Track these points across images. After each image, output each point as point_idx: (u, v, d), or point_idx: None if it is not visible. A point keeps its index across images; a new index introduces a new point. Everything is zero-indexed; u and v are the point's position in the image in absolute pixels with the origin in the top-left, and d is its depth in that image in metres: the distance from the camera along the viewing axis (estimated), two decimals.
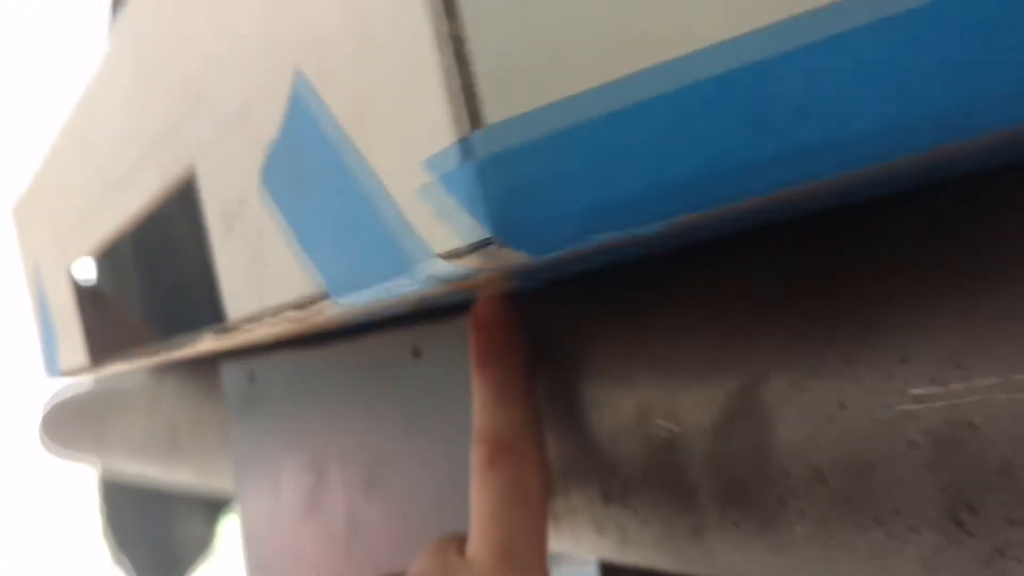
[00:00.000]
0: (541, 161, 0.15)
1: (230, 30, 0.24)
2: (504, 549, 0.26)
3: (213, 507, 1.35)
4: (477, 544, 0.26)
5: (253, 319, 0.27)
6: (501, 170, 0.15)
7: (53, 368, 0.58)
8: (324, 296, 0.22)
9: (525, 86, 0.15)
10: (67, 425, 1.29)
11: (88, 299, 0.49)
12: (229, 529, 1.45)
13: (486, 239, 0.15)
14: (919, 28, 0.13)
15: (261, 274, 0.26)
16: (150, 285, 0.70)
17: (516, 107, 0.15)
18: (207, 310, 0.34)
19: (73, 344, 0.52)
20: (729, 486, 0.23)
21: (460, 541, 0.27)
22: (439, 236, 0.16)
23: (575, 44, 0.15)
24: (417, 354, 0.34)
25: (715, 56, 0.14)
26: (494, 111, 0.15)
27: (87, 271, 0.50)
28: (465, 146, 0.15)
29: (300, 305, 0.23)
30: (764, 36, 0.14)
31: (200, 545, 1.46)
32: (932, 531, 0.19)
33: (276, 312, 0.25)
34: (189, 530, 1.43)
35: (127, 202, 0.38)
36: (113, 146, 0.39)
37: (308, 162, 0.22)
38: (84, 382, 1.25)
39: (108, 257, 0.52)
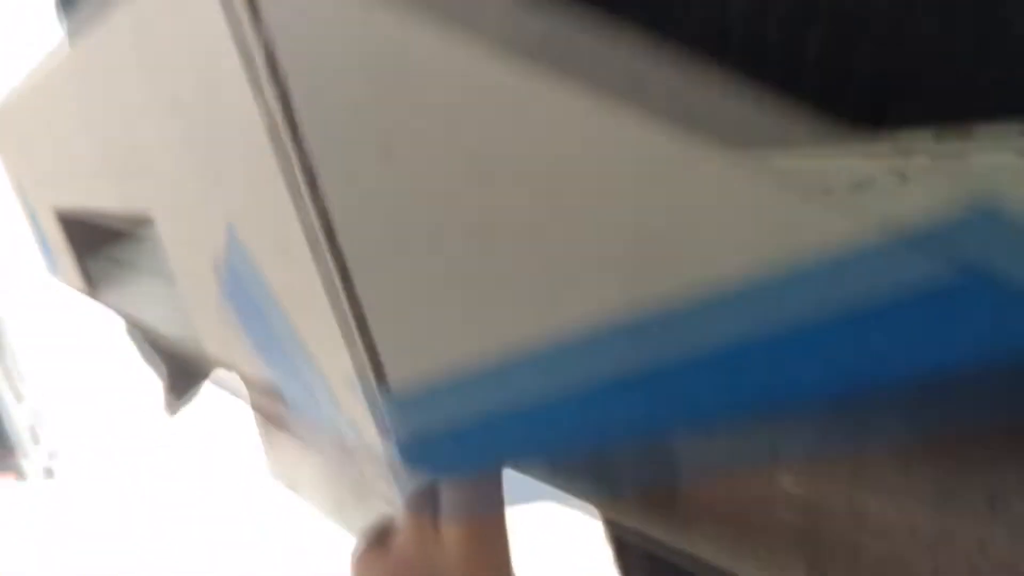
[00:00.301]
0: (433, 412, 0.22)
1: None
2: (475, 532, 0.29)
3: None
4: (450, 523, 0.29)
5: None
6: (405, 417, 0.22)
7: (54, 271, 0.65)
8: (282, 400, 0.29)
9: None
10: None
11: (77, 231, 0.54)
12: None
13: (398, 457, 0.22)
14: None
15: (230, 339, 0.32)
16: None
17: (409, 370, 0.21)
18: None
19: (67, 268, 0.58)
20: None
21: (434, 517, 0.30)
22: (362, 423, 0.23)
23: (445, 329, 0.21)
24: None
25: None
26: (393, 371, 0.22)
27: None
28: (381, 388, 0.22)
29: (263, 391, 0.31)
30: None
31: None
32: None
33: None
34: None
35: (128, 195, 0.43)
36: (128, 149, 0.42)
37: (251, 299, 0.28)
38: None
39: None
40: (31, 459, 3.06)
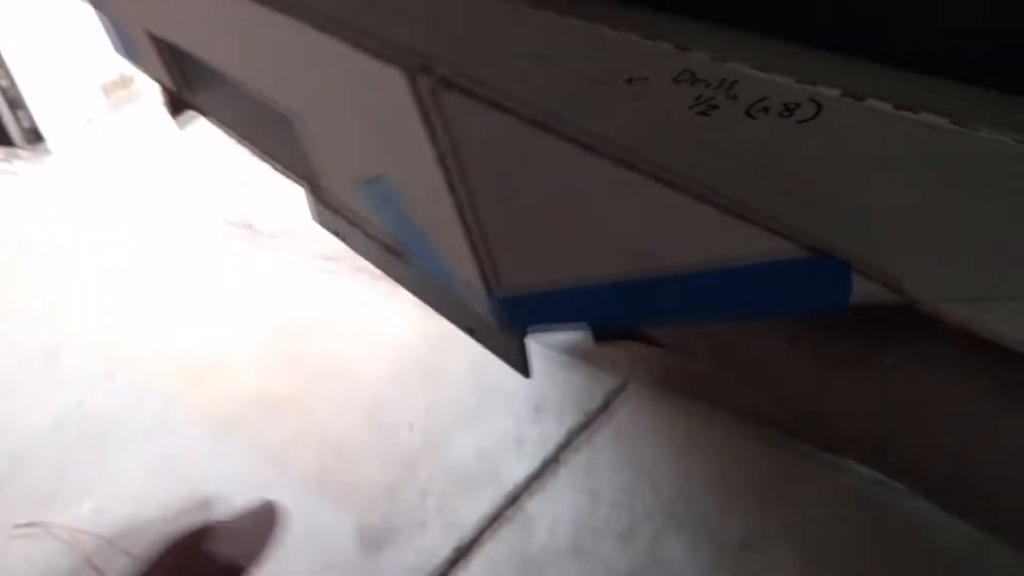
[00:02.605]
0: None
1: None
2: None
3: None
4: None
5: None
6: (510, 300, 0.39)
7: (131, 54, 0.76)
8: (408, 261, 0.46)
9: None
10: None
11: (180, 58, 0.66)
12: None
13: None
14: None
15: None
16: None
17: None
18: None
19: (156, 65, 0.70)
20: None
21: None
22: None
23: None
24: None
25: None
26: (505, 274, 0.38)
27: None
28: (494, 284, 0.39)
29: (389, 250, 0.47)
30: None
31: None
32: None
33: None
34: None
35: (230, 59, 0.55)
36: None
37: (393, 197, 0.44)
38: None
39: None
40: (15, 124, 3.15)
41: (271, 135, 0.58)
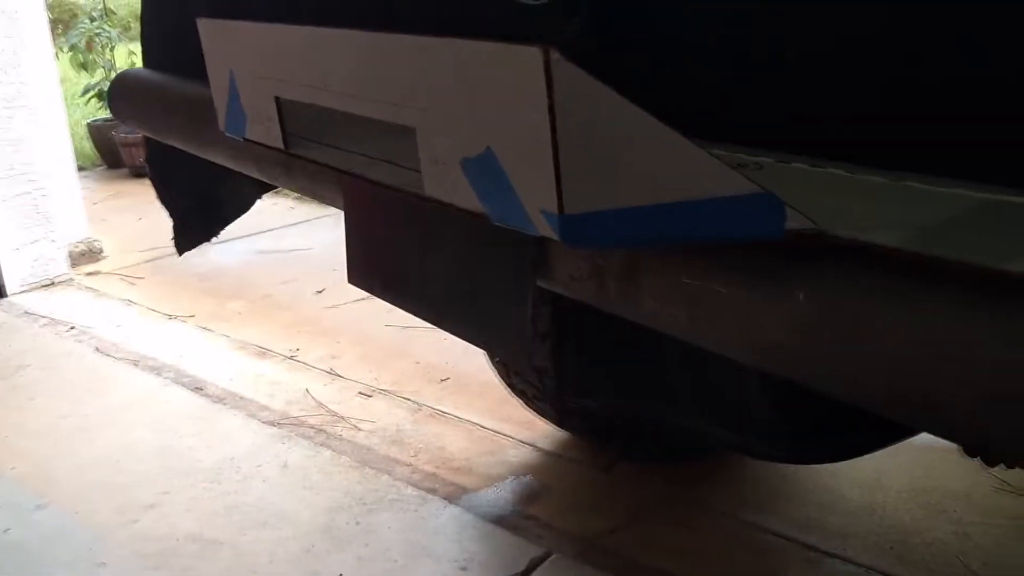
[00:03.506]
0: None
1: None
2: None
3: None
4: None
5: None
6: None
7: (238, 131, 1.00)
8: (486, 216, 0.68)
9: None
10: (128, 98, 1.66)
11: (288, 112, 0.90)
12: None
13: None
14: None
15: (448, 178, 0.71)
16: None
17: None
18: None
19: (268, 129, 0.94)
20: None
21: None
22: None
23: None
24: None
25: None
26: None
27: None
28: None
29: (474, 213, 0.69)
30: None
31: (243, 205, 1.81)
32: None
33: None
34: (237, 189, 1.77)
35: (341, 102, 0.80)
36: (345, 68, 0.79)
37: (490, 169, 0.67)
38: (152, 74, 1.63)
39: None
40: None
41: (377, 151, 0.81)
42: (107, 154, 5.64)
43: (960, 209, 0.58)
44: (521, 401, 2.26)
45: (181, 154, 1.67)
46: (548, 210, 0.61)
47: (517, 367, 1.14)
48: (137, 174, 5.47)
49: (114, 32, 5.49)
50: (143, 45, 1.79)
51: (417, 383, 2.82)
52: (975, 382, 0.52)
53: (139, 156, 5.42)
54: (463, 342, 3.45)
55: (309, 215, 4.65)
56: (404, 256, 0.98)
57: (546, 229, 0.62)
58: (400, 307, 1.02)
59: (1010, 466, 1.53)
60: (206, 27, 1.01)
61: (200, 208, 1.81)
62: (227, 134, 1.05)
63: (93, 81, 5.56)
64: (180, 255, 1.89)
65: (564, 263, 0.77)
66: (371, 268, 1.04)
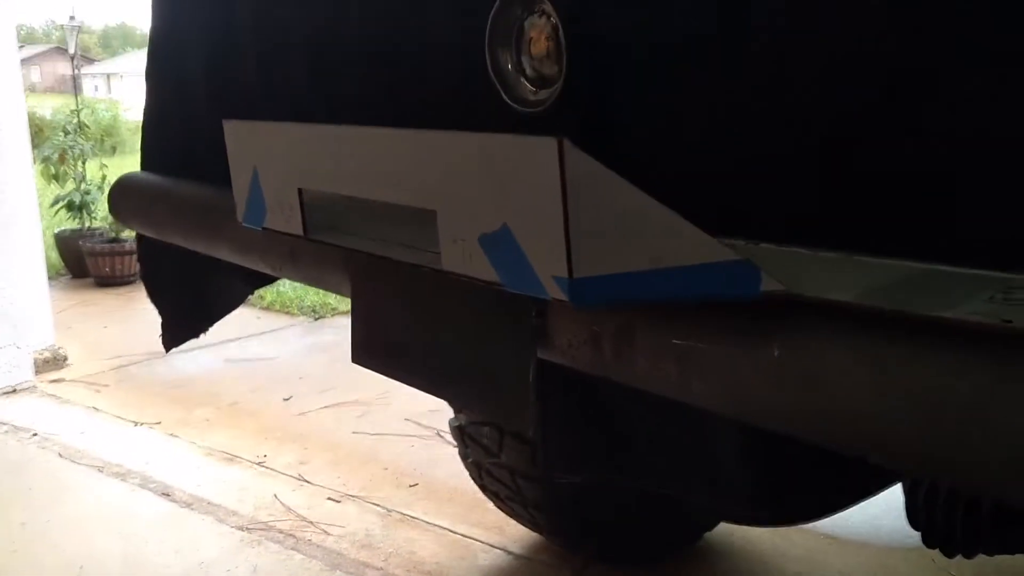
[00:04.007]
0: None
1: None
2: None
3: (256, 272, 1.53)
4: None
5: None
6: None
7: (256, 221, 1.10)
8: (500, 284, 0.78)
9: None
10: (131, 200, 1.76)
11: (309, 201, 1.01)
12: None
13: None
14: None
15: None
16: None
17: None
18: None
19: (288, 218, 1.04)
20: None
21: None
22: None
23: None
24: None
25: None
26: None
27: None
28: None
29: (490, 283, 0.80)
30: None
31: (233, 302, 1.88)
32: None
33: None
34: (228, 287, 1.84)
35: (365, 190, 0.90)
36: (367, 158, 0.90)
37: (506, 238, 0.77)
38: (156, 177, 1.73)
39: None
40: None
41: (395, 232, 0.91)
42: (73, 264, 5.68)
43: (899, 275, 0.71)
44: (493, 502, 2.30)
45: (172, 253, 1.75)
46: (559, 275, 0.71)
47: (514, 429, 1.20)
48: (102, 283, 5.51)
49: (87, 145, 5.63)
50: (143, 149, 1.90)
51: (386, 488, 2.85)
52: (922, 417, 0.62)
53: (105, 266, 5.48)
54: (430, 448, 3.51)
55: (274, 325, 4.71)
56: (409, 332, 1.07)
57: (556, 292, 0.72)
58: (403, 381, 1.10)
59: (968, 556, 1.61)
60: (231, 128, 1.12)
61: (190, 305, 1.88)
62: (245, 224, 1.14)
63: (63, 192, 5.65)
64: (167, 351, 1.95)
65: (563, 331, 0.86)
66: (376, 346, 1.12)
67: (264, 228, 1.10)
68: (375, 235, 0.95)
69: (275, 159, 1.05)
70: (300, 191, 1.01)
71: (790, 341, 0.71)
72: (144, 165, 1.88)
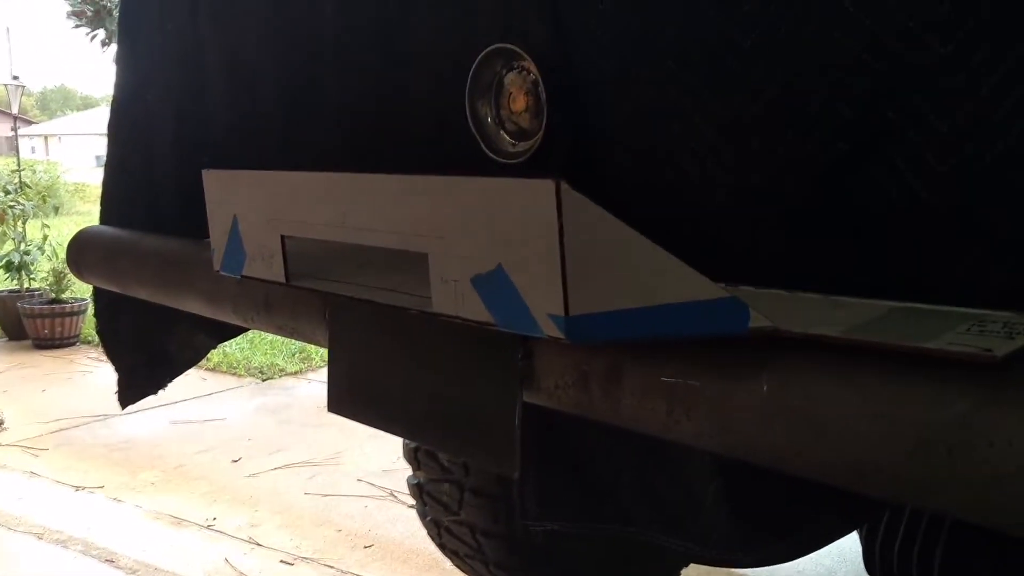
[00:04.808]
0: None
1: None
2: None
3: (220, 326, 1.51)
4: None
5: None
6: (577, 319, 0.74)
7: (234, 269, 1.10)
8: (494, 324, 0.79)
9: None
10: (89, 255, 1.73)
11: (291, 248, 1.01)
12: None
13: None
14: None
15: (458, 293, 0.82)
16: None
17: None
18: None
19: (269, 265, 1.04)
20: None
21: None
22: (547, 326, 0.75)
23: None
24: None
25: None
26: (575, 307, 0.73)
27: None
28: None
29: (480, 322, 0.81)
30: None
31: (195, 356, 1.85)
32: None
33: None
34: (189, 341, 1.80)
35: (352, 236, 0.92)
36: (352, 206, 0.92)
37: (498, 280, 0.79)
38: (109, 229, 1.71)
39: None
40: None
41: (383, 276, 0.92)
42: (10, 326, 5.51)
43: (878, 313, 0.74)
44: (452, 561, 2.27)
45: (131, 307, 1.72)
46: (555, 313, 0.73)
47: (501, 473, 1.19)
48: (41, 346, 5.35)
49: (29, 205, 5.52)
50: (104, 203, 1.88)
51: (340, 550, 2.79)
52: (902, 442, 0.65)
53: (44, 328, 5.33)
54: (385, 509, 3.47)
55: (221, 386, 4.62)
56: (390, 378, 1.07)
57: (553, 330, 0.74)
58: (383, 428, 1.09)
59: None
60: (211, 177, 1.13)
61: (149, 360, 1.84)
62: (223, 273, 1.14)
63: (2, 253, 5.51)
64: (123, 408, 1.90)
65: (550, 373, 0.88)
66: (355, 393, 1.11)
67: (244, 276, 1.10)
68: (359, 280, 0.95)
69: (256, 207, 1.06)
70: (283, 238, 1.02)
71: (778, 376, 0.73)
72: (104, 219, 1.86)
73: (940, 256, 0.75)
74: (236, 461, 3.58)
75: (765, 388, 0.73)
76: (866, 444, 0.67)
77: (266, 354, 5.04)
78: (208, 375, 4.77)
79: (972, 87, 0.71)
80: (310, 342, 1.25)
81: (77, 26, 11.40)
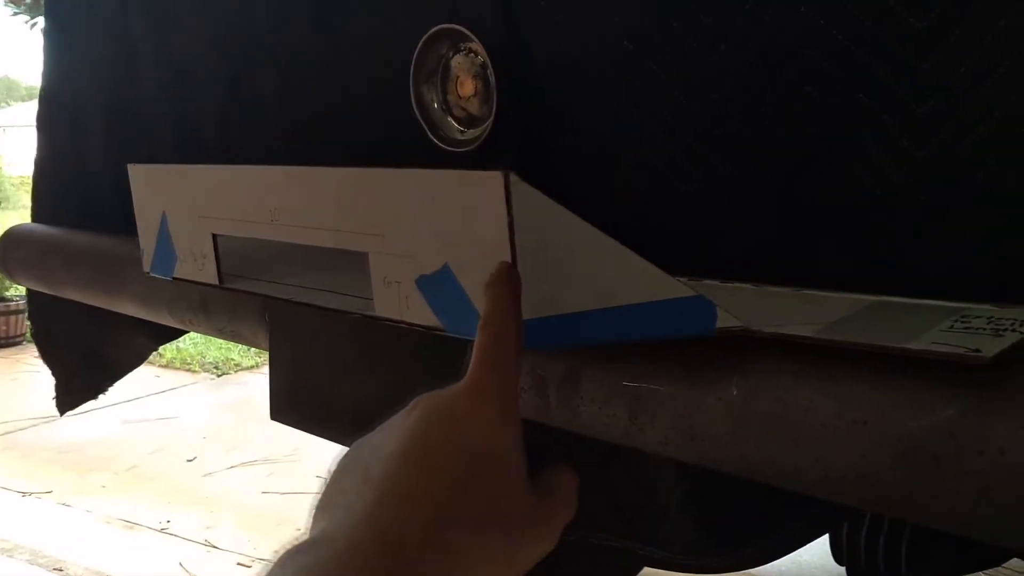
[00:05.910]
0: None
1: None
2: (479, 385, 0.63)
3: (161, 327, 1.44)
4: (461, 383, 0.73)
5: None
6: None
7: (165, 271, 1.02)
8: (440, 329, 0.73)
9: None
10: (20, 252, 1.63)
11: (224, 247, 0.94)
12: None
13: None
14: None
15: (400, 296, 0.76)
16: None
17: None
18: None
19: (201, 266, 0.96)
20: None
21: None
22: None
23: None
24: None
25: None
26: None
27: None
28: None
29: (429, 328, 0.75)
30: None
31: (136, 359, 1.76)
32: None
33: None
34: (129, 344, 1.72)
35: (286, 234, 0.85)
36: (292, 205, 0.85)
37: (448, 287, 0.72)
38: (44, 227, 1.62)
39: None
40: None
41: (321, 277, 0.85)
42: None
43: (852, 308, 0.69)
44: None
45: (67, 309, 1.63)
46: None
47: None
48: None
49: None
50: (34, 200, 1.78)
51: None
52: (885, 451, 0.60)
53: None
54: None
55: (175, 383, 4.50)
56: (333, 383, 1.00)
57: None
58: (327, 437, 1.03)
59: None
60: (137, 172, 1.04)
61: (88, 364, 1.75)
62: (152, 275, 1.06)
63: None
64: (61, 415, 1.81)
65: None
66: (296, 400, 1.05)
67: (174, 278, 1.02)
68: (298, 281, 0.89)
69: (186, 204, 0.98)
70: (215, 237, 0.95)
71: (749, 380, 0.68)
72: (35, 217, 1.76)
73: (917, 246, 0.70)
74: (191, 460, 3.48)
75: (735, 392, 0.68)
76: (845, 453, 0.62)
77: (220, 348, 4.92)
78: (161, 371, 4.65)
79: (951, 66, 0.66)
80: (251, 345, 1.18)
81: (15, 14, 10.99)
